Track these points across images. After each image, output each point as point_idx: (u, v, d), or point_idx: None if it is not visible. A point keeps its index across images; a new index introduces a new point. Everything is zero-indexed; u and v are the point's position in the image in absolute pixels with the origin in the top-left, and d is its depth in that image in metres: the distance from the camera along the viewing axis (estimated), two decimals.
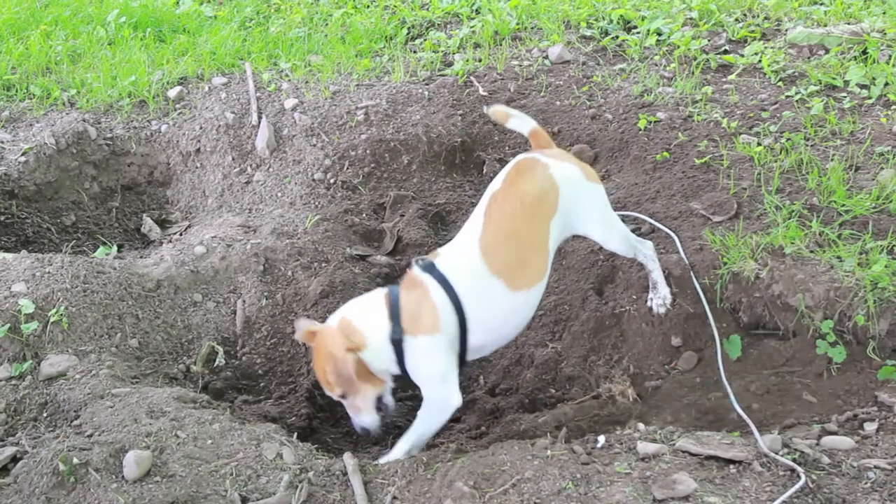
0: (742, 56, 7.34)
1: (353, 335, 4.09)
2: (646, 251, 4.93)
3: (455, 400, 4.19)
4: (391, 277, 5.85)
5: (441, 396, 4.20)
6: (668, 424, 4.19)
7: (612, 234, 4.73)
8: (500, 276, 4.19)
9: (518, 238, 4.27)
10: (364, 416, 4.26)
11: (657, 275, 4.99)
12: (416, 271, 4.21)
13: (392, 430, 4.77)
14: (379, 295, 4.24)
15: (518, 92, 7.22)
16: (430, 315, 4.10)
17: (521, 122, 4.61)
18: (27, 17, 9.33)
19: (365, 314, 4.19)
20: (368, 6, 9.42)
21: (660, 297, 5.01)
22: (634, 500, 3.39)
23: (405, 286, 4.19)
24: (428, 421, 4.27)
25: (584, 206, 4.52)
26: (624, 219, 5.34)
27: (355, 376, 4.04)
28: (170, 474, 3.77)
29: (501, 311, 4.30)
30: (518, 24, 8.46)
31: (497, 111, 4.59)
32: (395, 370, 4.21)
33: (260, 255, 5.75)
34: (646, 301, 5.09)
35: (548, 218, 4.34)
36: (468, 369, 5.29)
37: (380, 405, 4.28)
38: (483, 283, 4.17)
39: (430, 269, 4.18)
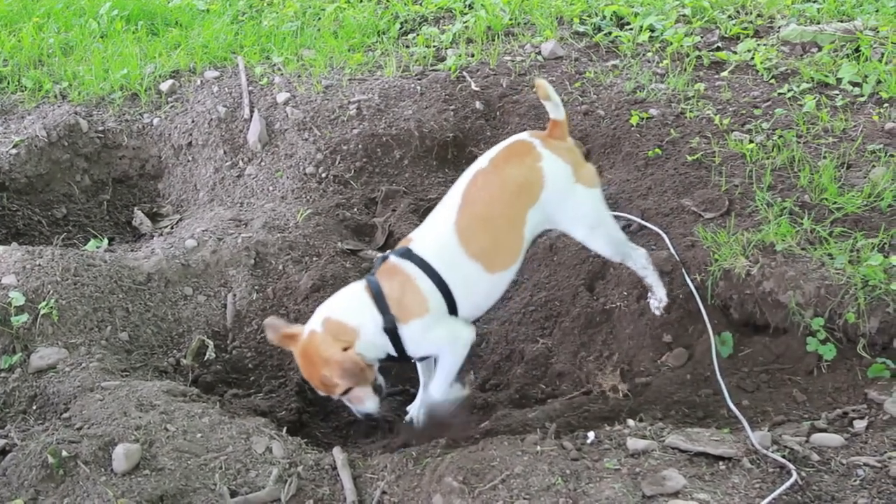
0: (735, 53, 7.34)
1: (342, 334, 4.06)
2: (637, 259, 4.89)
3: (469, 336, 4.31)
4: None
5: (456, 346, 4.29)
6: (658, 421, 4.20)
7: (596, 236, 4.67)
8: (478, 260, 4.21)
9: (494, 223, 4.27)
10: (367, 403, 4.25)
11: (651, 280, 4.96)
12: (393, 259, 4.21)
13: (383, 423, 4.80)
14: (358, 288, 4.21)
15: (510, 87, 7.22)
16: (417, 299, 4.11)
17: (554, 108, 4.52)
18: (19, 10, 9.32)
19: (350, 309, 4.16)
20: (361, 1, 9.40)
21: (656, 299, 5.00)
22: (624, 496, 3.39)
23: (384, 275, 4.18)
24: (451, 360, 4.35)
25: (567, 206, 4.48)
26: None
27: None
28: (159, 468, 3.77)
29: (481, 290, 4.35)
30: (511, 19, 8.45)
31: (542, 85, 4.49)
32: (392, 354, 4.21)
33: (251, 248, 5.74)
34: (636, 298, 5.10)
35: (526, 207, 4.33)
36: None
37: (375, 388, 4.28)
38: (462, 264, 4.19)
39: (408, 254, 4.19)
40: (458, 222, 4.21)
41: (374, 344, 4.12)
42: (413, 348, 4.20)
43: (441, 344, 4.27)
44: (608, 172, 6.19)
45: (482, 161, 4.41)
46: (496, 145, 4.51)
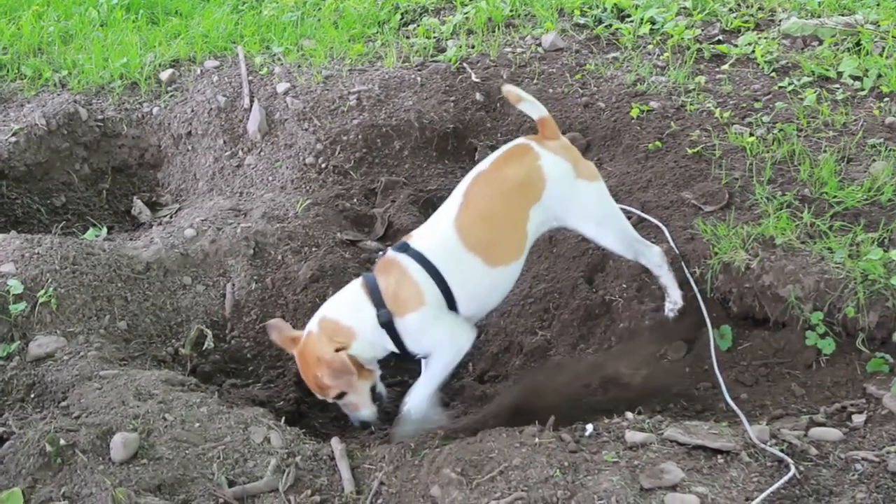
0: (735, 46, 7.32)
1: (337, 334, 4.09)
2: (651, 257, 4.81)
3: (467, 340, 4.31)
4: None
5: (452, 347, 4.27)
6: (657, 414, 4.20)
7: (606, 232, 4.64)
8: (476, 252, 4.21)
9: (494, 218, 4.29)
10: (362, 410, 4.27)
11: (665, 280, 4.87)
12: (389, 253, 4.25)
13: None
14: (355, 286, 4.25)
15: (511, 79, 7.19)
16: (412, 291, 4.13)
17: (532, 107, 4.53)
18: None
19: (346, 308, 4.20)
20: None
21: (671, 301, 4.92)
22: (622, 488, 3.39)
23: (380, 270, 4.22)
24: (443, 361, 4.32)
25: (571, 203, 4.48)
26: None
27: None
28: (157, 457, 3.77)
29: (483, 284, 4.33)
30: (512, 10, 8.43)
31: (510, 91, 4.52)
32: (393, 350, 4.23)
33: (250, 238, 5.74)
34: (636, 290, 5.09)
35: (528, 204, 4.34)
36: None
37: (374, 395, 4.29)
38: (460, 257, 4.20)
39: (404, 248, 4.22)
40: (457, 219, 4.23)
41: (371, 342, 4.15)
42: (412, 344, 4.20)
43: (438, 341, 4.26)
44: (608, 165, 6.18)
45: (483, 164, 4.44)
46: (496, 150, 4.54)
